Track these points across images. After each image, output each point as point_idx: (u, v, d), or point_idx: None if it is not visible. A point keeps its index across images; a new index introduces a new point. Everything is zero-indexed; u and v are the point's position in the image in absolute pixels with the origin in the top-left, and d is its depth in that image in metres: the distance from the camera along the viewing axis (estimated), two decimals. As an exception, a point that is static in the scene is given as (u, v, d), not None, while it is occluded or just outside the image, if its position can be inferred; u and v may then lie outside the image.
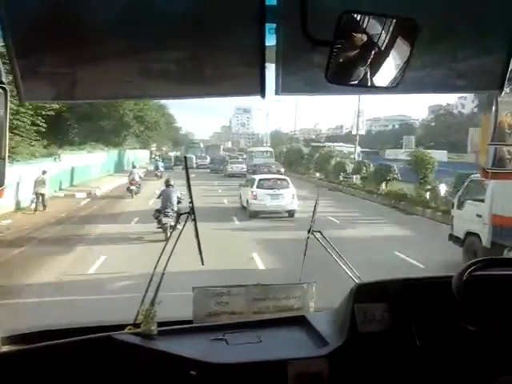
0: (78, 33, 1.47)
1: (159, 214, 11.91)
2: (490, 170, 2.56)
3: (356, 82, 1.48)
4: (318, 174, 32.61)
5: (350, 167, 28.15)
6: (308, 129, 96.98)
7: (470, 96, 48.05)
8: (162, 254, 2.33)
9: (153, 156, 48.77)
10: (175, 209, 11.76)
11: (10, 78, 1.51)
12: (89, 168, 27.27)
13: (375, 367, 1.86)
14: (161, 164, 32.61)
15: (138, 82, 1.61)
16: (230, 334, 2.06)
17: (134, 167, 23.83)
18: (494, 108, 2.52)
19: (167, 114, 51.71)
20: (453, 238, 10.51)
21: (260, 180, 17.08)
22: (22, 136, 18.67)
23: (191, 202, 2.45)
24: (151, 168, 36.30)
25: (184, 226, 2.56)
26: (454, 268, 1.86)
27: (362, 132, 36.05)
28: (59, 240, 11.99)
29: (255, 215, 15.90)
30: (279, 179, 17.69)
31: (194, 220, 2.40)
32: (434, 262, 9.60)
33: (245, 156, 48.97)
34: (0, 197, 1.62)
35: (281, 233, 13.31)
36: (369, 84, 1.49)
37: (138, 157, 43.96)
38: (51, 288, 7.90)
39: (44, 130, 20.57)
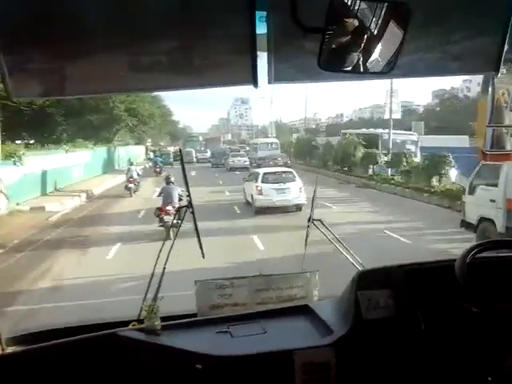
0: (66, 28, 1.45)
1: (160, 212, 11.68)
2: (488, 152, 2.56)
3: (349, 67, 1.46)
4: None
5: (383, 158, 23.39)
6: (308, 118, 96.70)
7: (474, 79, 46.72)
8: (161, 250, 2.32)
9: (149, 152, 46.09)
10: (176, 206, 11.24)
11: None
12: (68, 170, 22.90)
13: (381, 353, 1.86)
14: (159, 160, 31.34)
15: (128, 76, 1.59)
16: (234, 326, 2.06)
17: (131, 164, 22.55)
18: (490, 90, 2.51)
19: (162, 105, 47.72)
20: (465, 224, 10.26)
21: (265, 174, 16.16)
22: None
23: (189, 196, 2.45)
24: (147, 165, 34.70)
25: (182, 220, 2.54)
26: None
27: (398, 116, 28.54)
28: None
29: (261, 211, 14.89)
30: (284, 172, 16.75)
31: (193, 213, 2.40)
32: None
33: (248, 148, 46.30)
34: None
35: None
36: (362, 69, 1.48)
37: (132, 153, 40.01)
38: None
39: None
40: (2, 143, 17.63)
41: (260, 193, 15.25)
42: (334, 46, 1.38)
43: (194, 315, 2.24)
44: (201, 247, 2.46)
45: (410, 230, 11.58)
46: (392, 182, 20.51)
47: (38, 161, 19.05)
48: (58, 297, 7.08)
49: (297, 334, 2.05)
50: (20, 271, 8.47)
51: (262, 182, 15.52)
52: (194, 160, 40.71)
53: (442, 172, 17.85)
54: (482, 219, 9.71)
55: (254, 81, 1.61)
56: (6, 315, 5.41)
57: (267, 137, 53.56)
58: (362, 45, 1.41)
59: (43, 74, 1.55)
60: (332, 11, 1.31)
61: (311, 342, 1.92)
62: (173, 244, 2.35)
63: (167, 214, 11.40)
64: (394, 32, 1.40)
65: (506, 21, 1.65)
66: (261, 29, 1.56)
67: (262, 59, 1.62)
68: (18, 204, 15.70)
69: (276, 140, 42.10)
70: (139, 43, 1.53)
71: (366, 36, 1.39)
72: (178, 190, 11.88)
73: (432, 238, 10.68)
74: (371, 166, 23.92)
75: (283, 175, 16.17)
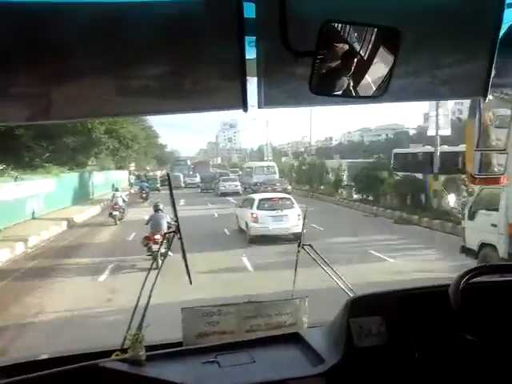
0: (52, 51, 1.43)
1: (148, 241, 11.37)
2: (477, 176, 2.57)
3: (340, 92, 1.46)
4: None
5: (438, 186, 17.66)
6: (296, 141, 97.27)
7: (466, 101, 47.73)
8: (146, 278, 2.26)
9: (133, 177, 43.14)
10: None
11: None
12: (20, 204, 17.74)
13: (374, 383, 1.81)
14: (146, 185, 29.70)
15: (116, 100, 1.57)
16: (222, 355, 1.98)
17: (116, 190, 21.43)
18: (477, 114, 2.53)
19: (147, 127, 44.72)
20: (465, 250, 9.90)
21: (261, 200, 15.01)
22: None
23: (176, 221, 2.40)
24: (133, 191, 32.89)
25: (170, 245, 2.48)
26: None
27: (447, 132, 21.14)
28: None
29: (256, 240, 13.73)
30: (282, 198, 15.59)
31: (181, 239, 2.35)
32: None
33: (240, 173, 43.84)
34: None
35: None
36: (353, 94, 1.47)
37: (113, 179, 36.65)
38: None
39: None
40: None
41: (255, 220, 14.17)
42: (325, 71, 1.38)
43: (180, 344, 2.16)
44: (188, 273, 2.40)
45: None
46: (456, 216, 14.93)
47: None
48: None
49: (287, 363, 1.97)
50: None
51: (258, 208, 14.47)
52: (182, 185, 39.10)
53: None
54: (483, 245, 9.37)
55: (244, 105, 1.60)
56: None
57: (263, 160, 50.32)
58: (353, 69, 1.40)
59: (29, 98, 1.52)
60: (323, 35, 1.31)
61: (302, 371, 1.85)
62: (158, 272, 2.29)
63: (155, 242, 11.06)
64: (384, 56, 1.40)
65: (493, 46, 1.67)
66: (250, 54, 1.56)
67: (252, 84, 1.61)
68: None
69: (273, 163, 39.09)
70: (127, 67, 1.51)
71: (356, 60, 1.39)
72: (166, 218, 11.57)
73: None
74: (409, 195, 18.94)
75: (280, 201, 15.10)
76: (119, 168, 41.42)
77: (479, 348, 1.72)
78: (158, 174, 43.77)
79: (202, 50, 1.52)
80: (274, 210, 14.39)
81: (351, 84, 1.45)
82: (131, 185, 38.38)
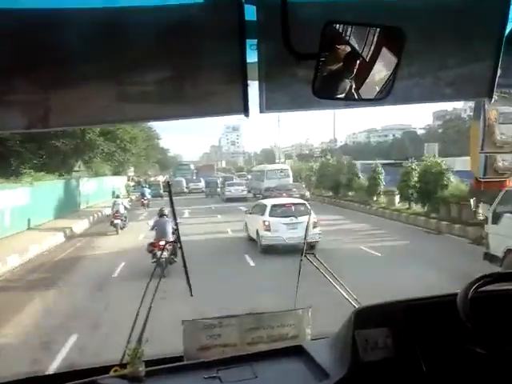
0: (52, 58, 1.41)
1: (153, 247, 11.04)
2: (482, 179, 2.54)
3: (343, 95, 1.43)
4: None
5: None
6: (300, 144, 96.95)
7: None
8: (147, 288, 2.22)
9: (132, 184, 40.22)
10: (171, 240, 10.50)
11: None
12: None
13: None
14: (147, 191, 28.12)
15: (117, 106, 1.54)
16: (224, 370, 1.92)
17: (117, 197, 20.28)
18: (482, 116, 2.50)
19: (147, 128, 40.94)
20: (489, 256, 9.22)
21: (273, 206, 13.64)
22: None
23: (177, 230, 2.37)
24: (133, 197, 31.05)
25: (175, 252, 2.45)
26: None
27: None
28: None
29: (269, 250, 12.55)
30: (296, 204, 14.04)
31: (181, 248, 2.31)
32: None
33: (249, 177, 40.92)
34: None
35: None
36: (356, 96, 1.44)
37: (107, 186, 33.52)
38: None
39: None
40: None
41: (268, 228, 12.91)
42: (328, 73, 1.35)
43: (181, 358, 2.11)
44: (189, 284, 2.36)
45: None
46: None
47: None
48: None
49: (290, 378, 1.91)
50: None
51: (270, 215, 13.21)
52: (185, 190, 37.89)
53: None
54: (510, 251, 8.64)
55: (246, 110, 1.57)
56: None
57: (273, 162, 46.59)
58: (357, 71, 1.38)
59: (27, 105, 1.49)
60: (326, 37, 1.28)
61: None
62: (159, 281, 2.24)
63: (161, 249, 10.72)
64: (388, 57, 1.37)
65: (498, 47, 1.64)
66: (251, 57, 1.53)
67: (254, 88, 1.59)
68: None
69: (286, 166, 35.39)
70: (128, 73, 1.48)
71: (360, 62, 1.36)
72: (171, 223, 11.11)
73: None
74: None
75: (294, 207, 13.58)
76: (116, 174, 38.40)
77: (489, 361, 1.65)
78: (161, 179, 42.11)
79: (203, 54, 1.50)
80: (288, 216, 13.00)
81: (354, 86, 1.42)
82: (128, 192, 35.34)
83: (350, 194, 25.25)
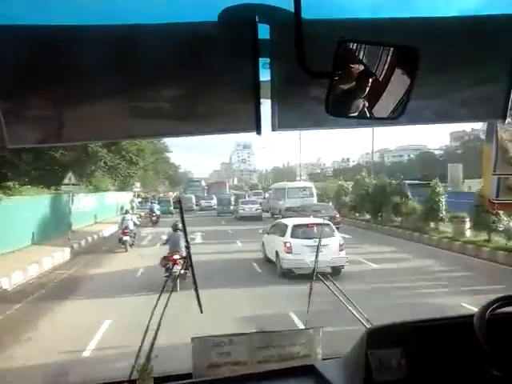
0: (65, 73, 1.42)
1: (167, 261, 10.99)
2: (496, 201, 2.51)
3: (356, 113, 1.42)
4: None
5: None
6: (311, 163, 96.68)
7: None
8: (157, 302, 2.20)
9: (138, 200, 38.30)
10: (184, 255, 10.38)
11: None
12: None
13: None
14: (157, 207, 27.16)
15: (129, 122, 1.55)
16: None
17: (126, 213, 19.08)
18: (494, 137, 2.48)
19: (156, 140, 37.08)
20: None
21: (295, 226, 12.58)
22: None
23: (188, 248, 2.36)
24: (142, 213, 28.81)
25: (180, 271, 2.43)
26: None
27: None
28: None
29: (289, 274, 11.54)
30: (319, 224, 12.57)
31: (191, 266, 2.30)
32: None
33: (266, 195, 38.72)
34: None
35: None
36: (369, 116, 1.43)
37: (109, 203, 30.87)
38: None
39: None
40: None
41: (289, 251, 11.92)
42: (341, 91, 1.35)
43: (190, 375, 2.08)
44: (199, 301, 2.34)
45: None
46: None
47: None
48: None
49: None
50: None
51: (292, 236, 12.21)
52: (195, 208, 37.10)
53: None
54: None
55: (258, 128, 1.57)
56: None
57: (295, 180, 43.64)
58: (370, 90, 1.37)
59: (41, 120, 1.51)
60: (339, 55, 1.28)
61: None
62: (169, 296, 2.23)
63: (175, 263, 10.65)
64: (401, 77, 1.37)
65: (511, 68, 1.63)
66: (264, 75, 1.54)
67: (266, 106, 1.59)
68: None
69: (310, 184, 32.51)
70: (141, 89, 1.49)
71: (373, 81, 1.35)
72: (185, 238, 11.32)
73: None
74: None
75: (317, 228, 12.28)
76: (121, 189, 35.52)
77: None
78: (171, 195, 40.98)
79: (216, 71, 1.50)
80: (311, 238, 11.63)
81: (367, 105, 1.41)
82: (133, 209, 32.23)
83: (396, 218, 21.70)
